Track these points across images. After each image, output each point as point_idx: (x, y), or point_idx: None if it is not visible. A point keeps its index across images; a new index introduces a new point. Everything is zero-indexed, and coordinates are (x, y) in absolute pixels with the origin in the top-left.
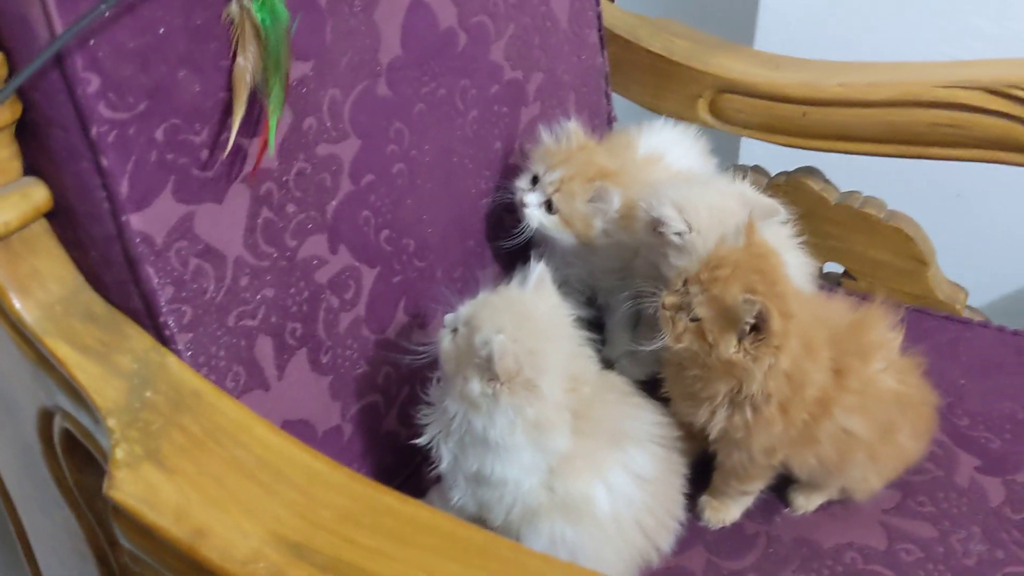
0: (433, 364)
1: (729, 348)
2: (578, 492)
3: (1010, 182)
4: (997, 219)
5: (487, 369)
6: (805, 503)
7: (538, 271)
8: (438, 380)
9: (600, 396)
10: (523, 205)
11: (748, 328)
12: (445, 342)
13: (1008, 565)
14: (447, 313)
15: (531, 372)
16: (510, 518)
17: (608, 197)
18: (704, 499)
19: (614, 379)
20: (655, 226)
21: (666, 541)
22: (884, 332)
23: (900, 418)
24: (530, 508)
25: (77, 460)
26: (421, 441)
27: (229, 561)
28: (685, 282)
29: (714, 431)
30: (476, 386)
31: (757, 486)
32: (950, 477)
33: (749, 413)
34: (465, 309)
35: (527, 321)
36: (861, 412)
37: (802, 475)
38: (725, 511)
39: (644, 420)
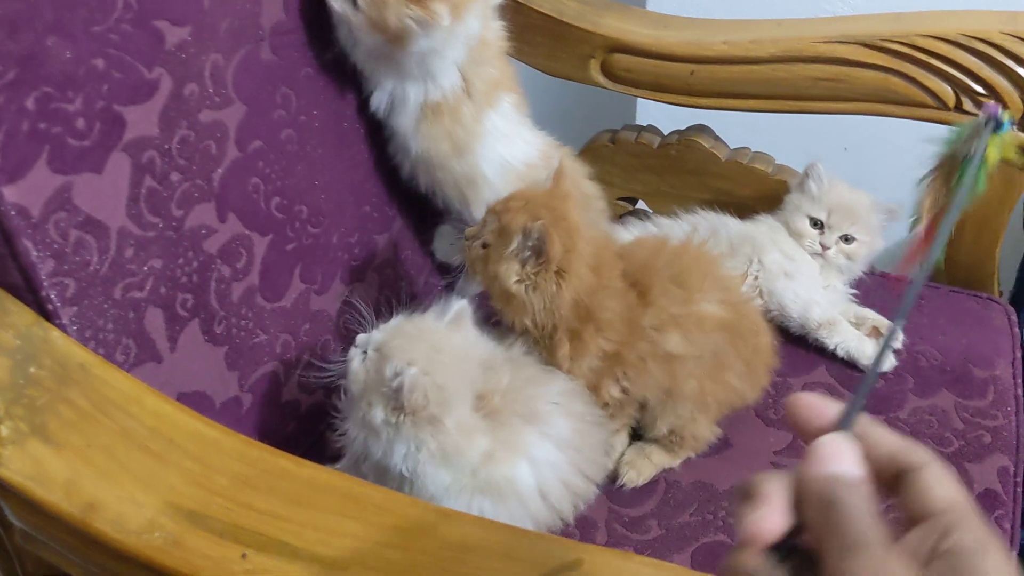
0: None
1: (511, 276)
2: (501, 476)
3: (892, 135)
4: (882, 171)
5: (394, 399)
6: None
7: (458, 306)
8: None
9: (510, 384)
10: None
11: (530, 254)
12: (355, 363)
13: None
14: (360, 333)
15: (436, 408)
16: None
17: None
18: None
19: (519, 359)
20: None
21: (593, 492)
22: (710, 263)
23: (731, 352)
24: (452, 489)
25: None
26: (340, 466)
27: (123, 533)
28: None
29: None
30: (379, 414)
31: (620, 423)
32: None
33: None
34: (379, 334)
35: (438, 355)
36: (681, 333)
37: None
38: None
39: (555, 388)
